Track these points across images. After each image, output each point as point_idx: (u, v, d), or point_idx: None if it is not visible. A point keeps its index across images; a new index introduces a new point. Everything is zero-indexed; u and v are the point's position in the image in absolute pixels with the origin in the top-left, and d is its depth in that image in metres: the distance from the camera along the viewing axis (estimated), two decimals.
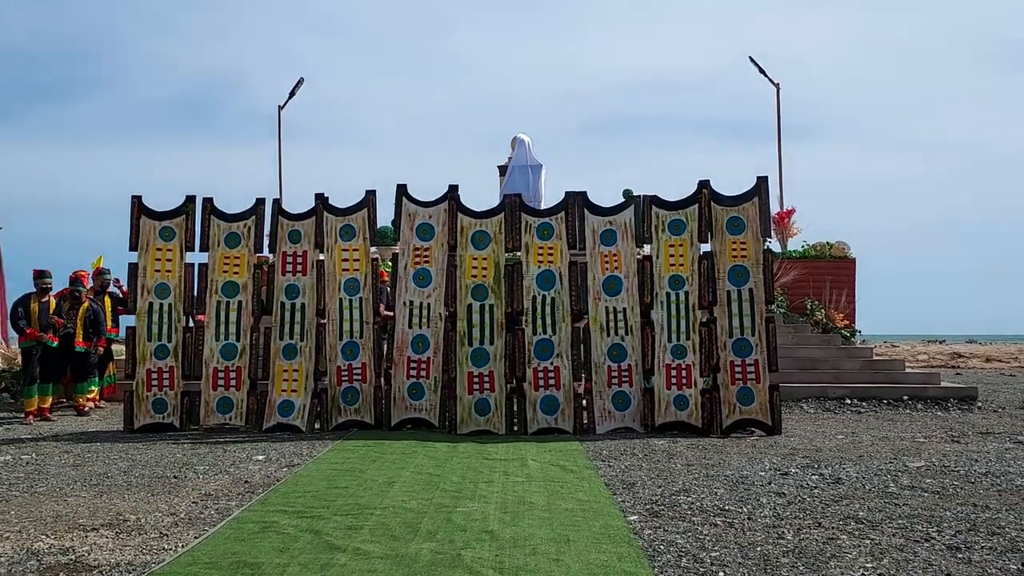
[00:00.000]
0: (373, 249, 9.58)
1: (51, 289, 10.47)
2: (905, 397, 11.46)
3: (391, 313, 9.36)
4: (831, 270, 14.62)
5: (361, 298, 9.26)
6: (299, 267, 9.35)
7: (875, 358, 13.15)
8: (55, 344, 10.28)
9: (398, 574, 3.86)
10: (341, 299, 9.26)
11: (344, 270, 9.33)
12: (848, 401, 11.34)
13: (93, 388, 11.27)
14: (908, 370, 13.04)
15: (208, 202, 9.48)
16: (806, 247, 15.25)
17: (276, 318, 9.25)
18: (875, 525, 4.77)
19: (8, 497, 5.74)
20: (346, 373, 9.17)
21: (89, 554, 4.29)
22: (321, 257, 9.43)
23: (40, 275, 10.35)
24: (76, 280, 10.92)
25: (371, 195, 9.47)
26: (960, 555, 4.17)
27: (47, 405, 10.36)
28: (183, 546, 4.40)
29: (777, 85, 18.18)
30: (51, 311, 10.28)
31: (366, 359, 9.17)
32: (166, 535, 4.66)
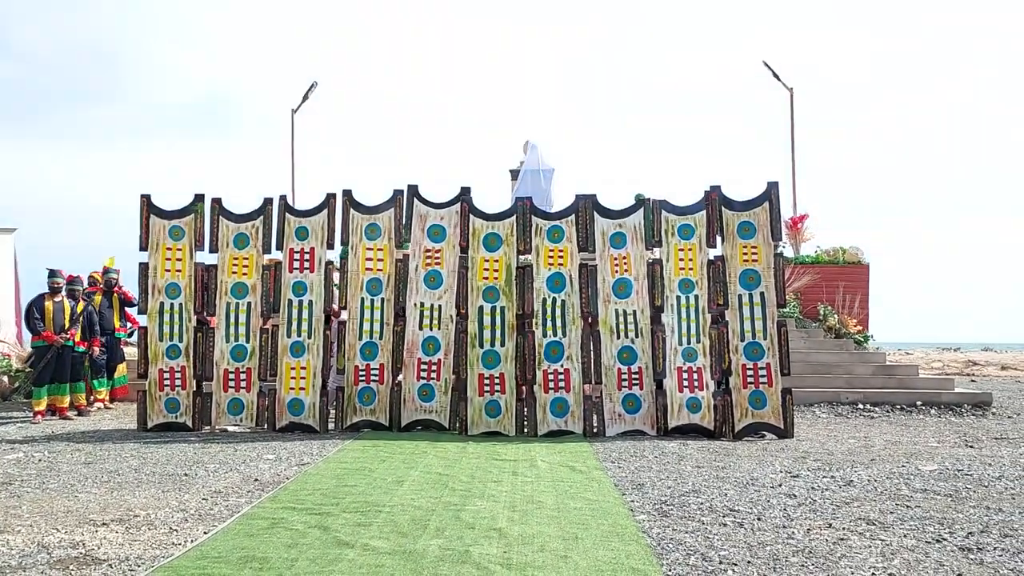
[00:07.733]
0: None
1: (62, 288, 10.51)
2: (918, 403, 11.39)
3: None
4: (844, 275, 14.55)
5: (383, 299, 9.22)
6: (306, 264, 9.33)
7: (888, 363, 13.07)
8: (71, 342, 10.37)
9: (406, 569, 3.86)
10: (363, 298, 9.24)
11: (367, 269, 9.27)
12: (861, 406, 11.27)
13: (101, 389, 11.31)
14: (921, 375, 12.95)
15: (216, 202, 9.41)
16: (819, 252, 15.18)
17: (283, 315, 9.24)
18: (886, 526, 4.74)
19: (20, 493, 5.78)
20: (363, 373, 9.17)
21: (99, 548, 4.31)
22: (330, 255, 9.43)
23: (52, 274, 10.42)
24: (87, 280, 11.01)
25: (399, 194, 9.36)
26: (972, 556, 4.13)
27: (64, 405, 10.41)
28: (192, 541, 4.41)
29: (791, 89, 18.18)
30: (66, 313, 10.35)
31: (384, 360, 9.16)
32: (175, 530, 4.68)
